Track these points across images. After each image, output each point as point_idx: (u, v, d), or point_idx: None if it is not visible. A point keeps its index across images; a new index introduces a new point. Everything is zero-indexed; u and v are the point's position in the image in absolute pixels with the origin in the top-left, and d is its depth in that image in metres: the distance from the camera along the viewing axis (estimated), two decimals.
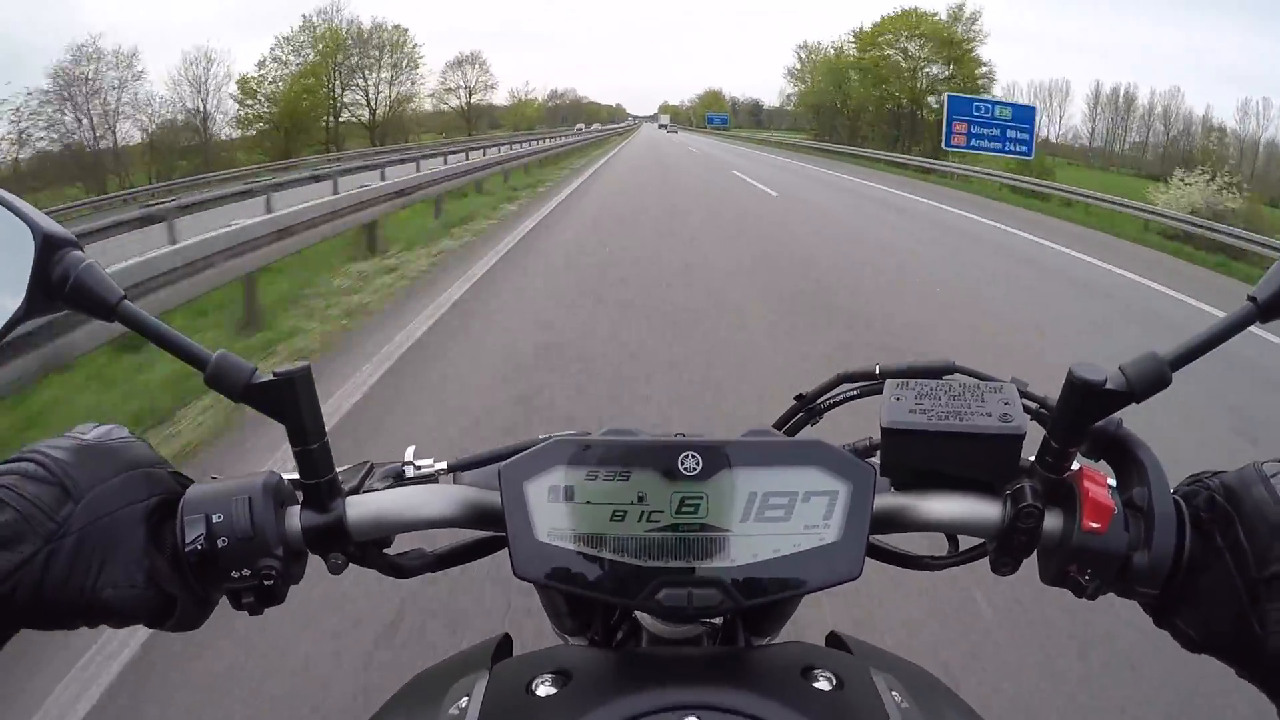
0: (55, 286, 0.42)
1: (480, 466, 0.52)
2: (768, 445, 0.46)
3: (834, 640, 0.54)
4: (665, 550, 0.44)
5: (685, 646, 0.56)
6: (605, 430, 0.49)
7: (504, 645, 0.53)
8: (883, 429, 0.47)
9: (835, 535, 0.44)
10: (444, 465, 0.53)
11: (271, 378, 0.44)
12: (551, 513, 0.44)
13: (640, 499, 0.44)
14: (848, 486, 0.45)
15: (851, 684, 0.44)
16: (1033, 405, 0.52)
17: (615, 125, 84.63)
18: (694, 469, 0.44)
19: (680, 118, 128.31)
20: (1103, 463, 0.48)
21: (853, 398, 0.60)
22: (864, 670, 0.45)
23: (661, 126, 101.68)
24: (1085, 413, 0.43)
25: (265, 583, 0.44)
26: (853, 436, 0.56)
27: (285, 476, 0.48)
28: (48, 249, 0.42)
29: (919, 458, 0.47)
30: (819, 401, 0.63)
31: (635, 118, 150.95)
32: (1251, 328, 0.42)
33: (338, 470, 0.49)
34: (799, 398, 0.64)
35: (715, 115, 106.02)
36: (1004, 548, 0.47)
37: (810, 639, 0.51)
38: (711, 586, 0.44)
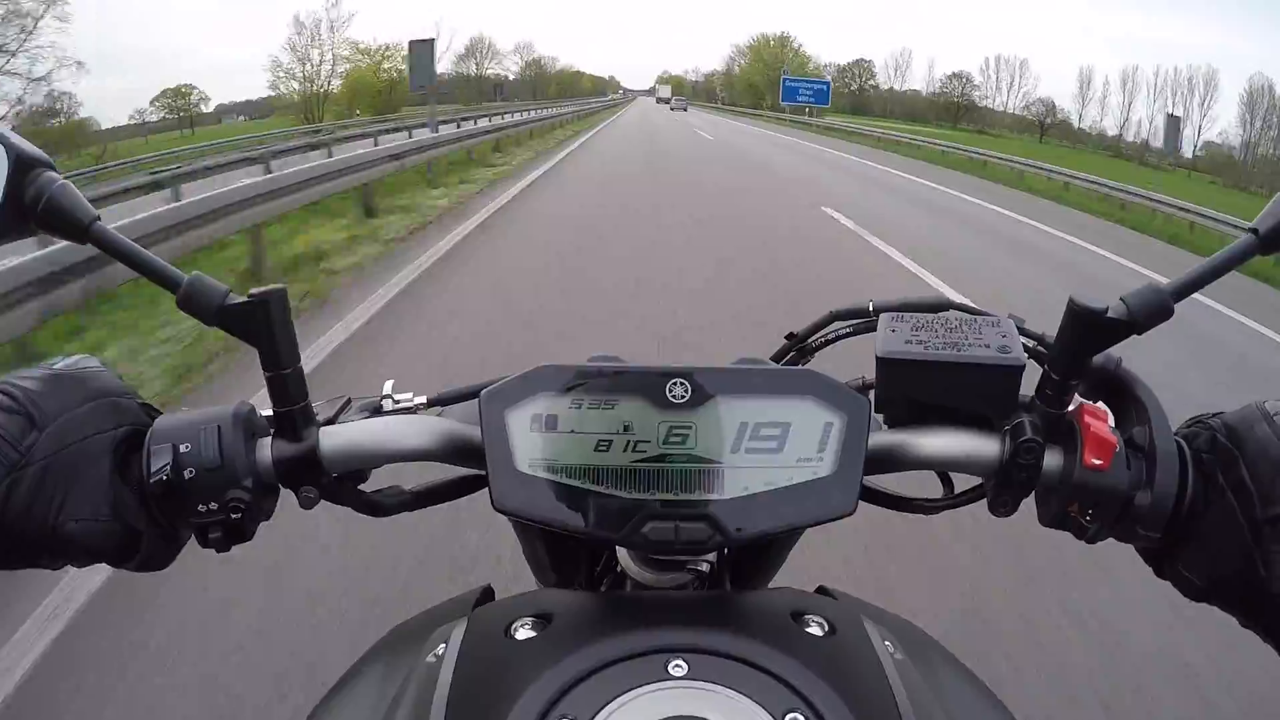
0: (28, 207, 0.41)
1: (462, 401, 0.51)
2: (759, 373, 0.44)
3: (823, 593, 0.52)
4: (652, 482, 0.42)
5: (673, 593, 0.54)
6: (591, 358, 0.47)
7: (486, 596, 0.52)
8: (878, 359, 0.46)
9: (829, 469, 0.43)
10: (424, 399, 0.51)
11: (245, 299, 0.42)
12: (533, 443, 0.42)
13: (626, 429, 0.42)
14: (842, 418, 0.43)
15: (844, 630, 0.42)
16: (1030, 342, 0.50)
17: (578, 102, 53.99)
18: (683, 397, 0.42)
19: (683, 91, 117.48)
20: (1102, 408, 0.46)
21: (846, 335, 0.58)
22: (856, 617, 0.44)
23: (662, 101, 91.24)
24: (1086, 343, 0.42)
25: (233, 516, 0.43)
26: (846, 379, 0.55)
27: (263, 412, 0.46)
28: (20, 168, 0.40)
29: (915, 389, 0.46)
30: (811, 340, 0.61)
31: (628, 91, 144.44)
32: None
33: (314, 404, 0.47)
34: (790, 336, 0.62)
35: (803, 83, 54.88)
36: (1003, 486, 0.45)
37: None
38: (700, 520, 0.42)
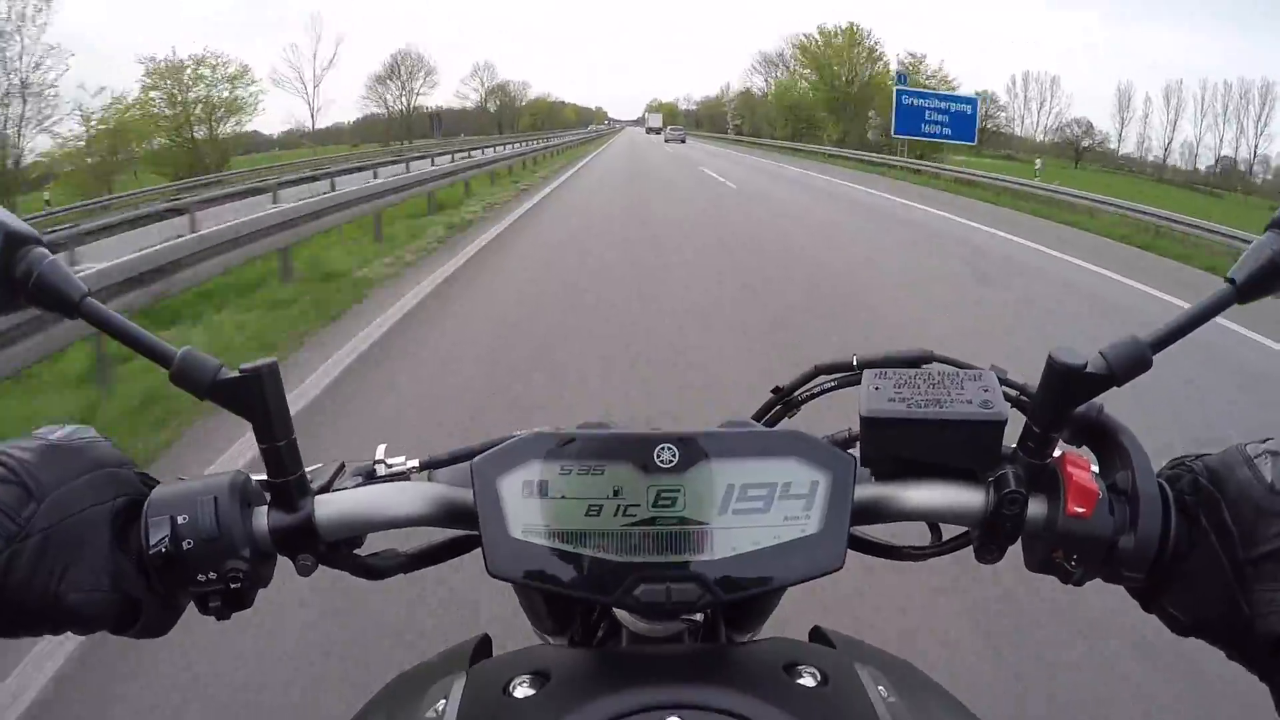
0: (18, 283, 0.41)
1: (453, 464, 0.51)
2: (745, 436, 0.45)
3: (817, 635, 0.53)
4: (643, 545, 0.43)
5: (666, 645, 0.55)
6: (580, 425, 0.48)
7: (483, 646, 0.52)
8: (862, 418, 0.46)
9: (816, 526, 0.43)
10: (415, 463, 0.52)
11: (238, 374, 0.43)
12: (526, 509, 0.43)
13: (616, 493, 0.43)
14: (828, 476, 0.44)
15: (836, 680, 0.43)
16: (1012, 393, 0.51)
17: (550, 135, 46.07)
18: (670, 461, 0.43)
19: (675, 119, 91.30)
20: (1085, 450, 0.47)
21: (830, 389, 0.59)
22: (848, 665, 0.45)
23: (652, 131, 77.52)
24: (1067, 397, 0.43)
25: (232, 585, 0.43)
26: (832, 430, 0.55)
27: (255, 478, 0.47)
28: (10, 246, 0.41)
29: (900, 446, 0.47)
30: (796, 394, 0.62)
31: (615, 121, 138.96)
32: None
33: (308, 469, 0.48)
34: (776, 390, 0.63)
35: (932, 100, 28.99)
36: (988, 535, 0.46)
37: (793, 634, 0.51)
38: (690, 581, 0.43)
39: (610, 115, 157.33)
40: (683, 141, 53.75)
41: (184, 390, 0.43)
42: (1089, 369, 0.42)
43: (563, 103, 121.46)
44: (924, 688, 0.48)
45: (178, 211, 9.69)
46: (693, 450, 0.43)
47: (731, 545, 0.43)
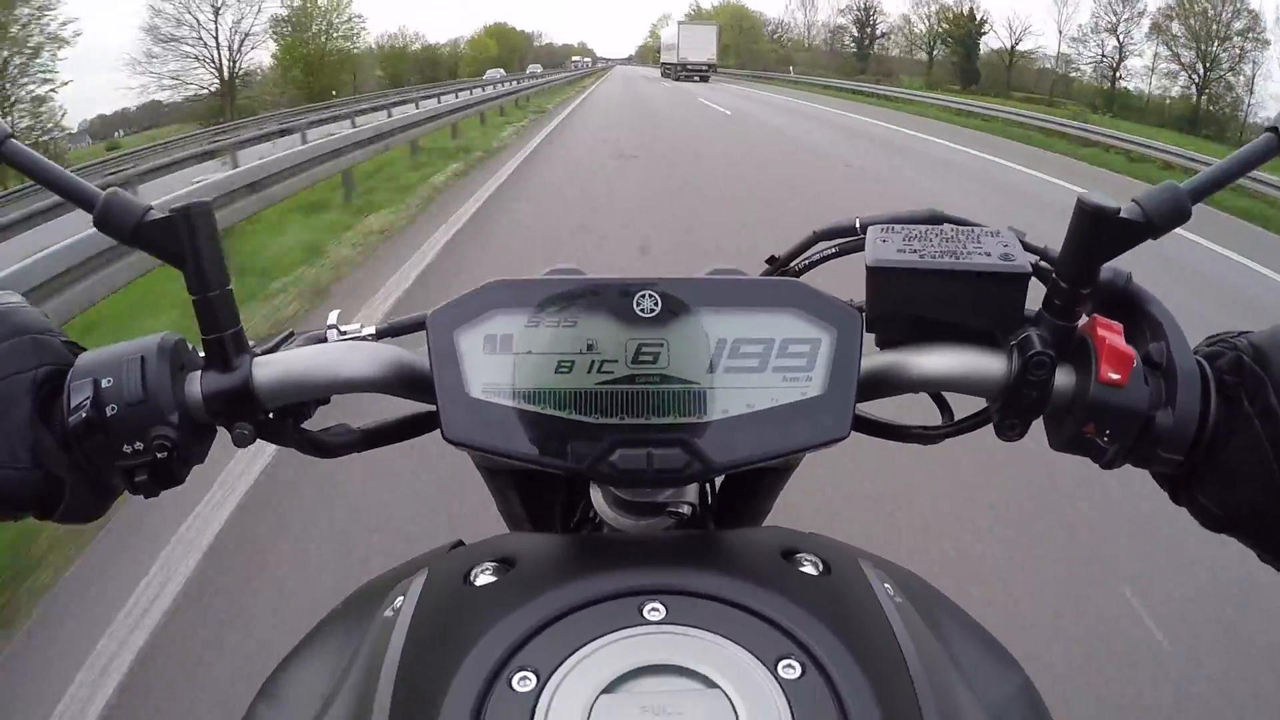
0: None
1: (415, 330, 0.46)
2: (738, 285, 0.40)
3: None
4: (620, 405, 0.38)
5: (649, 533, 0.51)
6: (549, 270, 0.43)
7: (455, 549, 0.48)
8: (868, 269, 0.42)
9: (819, 389, 0.39)
10: (372, 329, 0.47)
11: (166, 214, 0.38)
12: (487, 366, 0.38)
13: (590, 347, 0.38)
14: (831, 333, 0.39)
15: (840, 570, 0.39)
16: (1032, 258, 0.46)
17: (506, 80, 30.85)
18: (652, 310, 0.38)
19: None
20: None
21: (832, 256, 0.54)
22: (852, 559, 0.41)
23: (672, 73, 40.81)
24: (1098, 247, 0.38)
25: (159, 455, 0.39)
26: None
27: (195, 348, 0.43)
28: None
29: (909, 303, 0.42)
30: (794, 263, 0.57)
31: (602, 60, 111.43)
32: None
33: (255, 341, 0.43)
34: (771, 260, 0.58)
35: None
36: (1010, 407, 0.41)
37: None
38: (675, 446, 0.38)
39: (601, 55, 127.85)
40: (707, 78, 39.10)
41: (108, 236, 0.39)
42: (1123, 214, 0.37)
43: (515, 31, 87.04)
44: (929, 594, 0.45)
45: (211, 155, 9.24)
46: (678, 299, 0.38)
47: (722, 407, 0.38)
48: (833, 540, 0.46)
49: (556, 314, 0.38)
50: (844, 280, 0.52)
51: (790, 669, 0.31)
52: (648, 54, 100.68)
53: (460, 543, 0.49)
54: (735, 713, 0.29)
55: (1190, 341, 0.41)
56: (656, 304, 0.38)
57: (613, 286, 0.39)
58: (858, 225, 0.50)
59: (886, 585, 0.39)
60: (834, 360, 0.39)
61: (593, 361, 0.38)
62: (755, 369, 0.38)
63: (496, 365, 0.38)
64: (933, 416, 0.48)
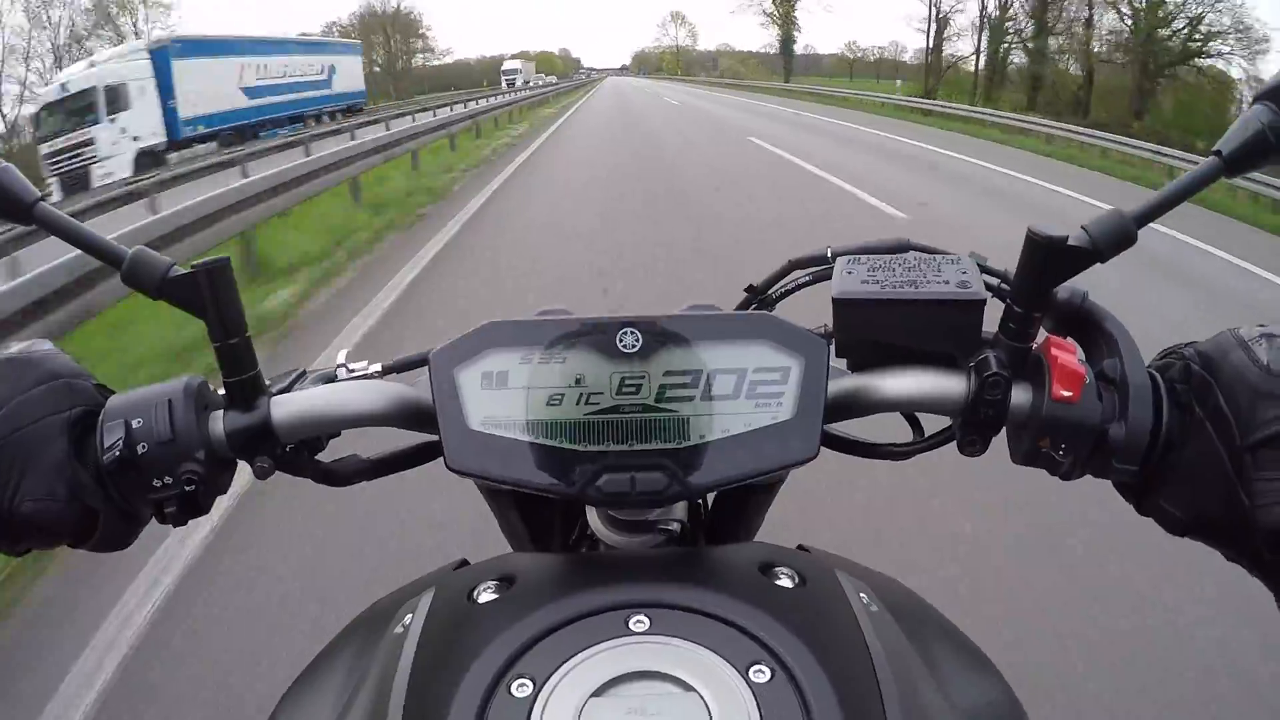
0: None
1: (415, 368, 0.50)
2: (712, 319, 0.43)
3: (801, 551, 0.52)
4: (606, 433, 0.41)
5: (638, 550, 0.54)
6: (539, 312, 0.46)
7: (460, 568, 0.51)
8: (834, 300, 0.44)
9: (789, 413, 0.42)
10: (378, 367, 0.51)
11: (189, 270, 0.42)
12: (485, 400, 0.41)
13: (578, 381, 0.41)
14: (800, 361, 0.42)
15: (815, 582, 0.41)
16: (993, 281, 0.49)
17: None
18: (633, 346, 0.41)
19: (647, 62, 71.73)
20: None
21: (805, 284, 0.57)
22: (829, 571, 0.43)
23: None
24: (1048, 273, 0.41)
25: (187, 489, 0.42)
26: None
27: (221, 394, 0.46)
28: None
29: (874, 330, 0.45)
30: (770, 291, 0.60)
31: (587, 70, 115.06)
32: None
33: (269, 379, 0.47)
34: (749, 289, 0.61)
35: None
36: (970, 424, 0.44)
37: None
38: (656, 470, 0.41)
39: (588, 65, 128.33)
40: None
41: (135, 290, 0.42)
42: (1071, 242, 0.40)
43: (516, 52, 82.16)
44: (910, 603, 0.47)
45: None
46: (657, 335, 0.41)
47: (700, 433, 0.41)
48: (820, 553, 0.49)
49: (547, 352, 0.41)
50: (828, 306, 0.56)
51: (760, 673, 0.34)
52: (646, 61, 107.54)
53: (464, 562, 0.52)
54: (709, 713, 0.32)
55: (1145, 356, 0.43)
56: (638, 340, 0.41)
57: (597, 325, 0.42)
58: (829, 254, 0.53)
59: (863, 595, 0.41)
60: (802, 386, 0.42)
61: (581, 394, 0.41)
62: (730, 396, 0.41)
63: (494, 400, 0.41)
64: (910, 434, 0.51)
